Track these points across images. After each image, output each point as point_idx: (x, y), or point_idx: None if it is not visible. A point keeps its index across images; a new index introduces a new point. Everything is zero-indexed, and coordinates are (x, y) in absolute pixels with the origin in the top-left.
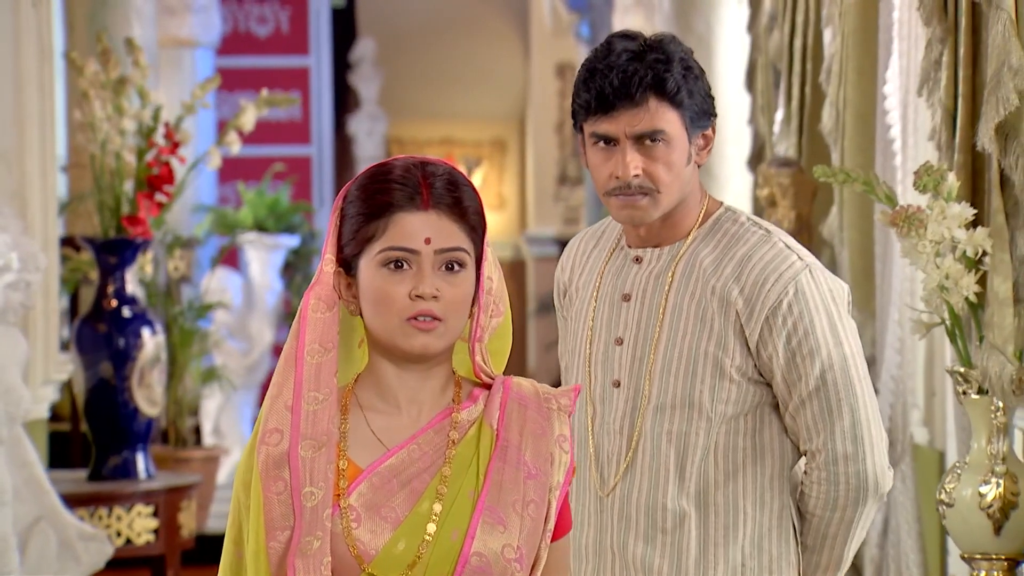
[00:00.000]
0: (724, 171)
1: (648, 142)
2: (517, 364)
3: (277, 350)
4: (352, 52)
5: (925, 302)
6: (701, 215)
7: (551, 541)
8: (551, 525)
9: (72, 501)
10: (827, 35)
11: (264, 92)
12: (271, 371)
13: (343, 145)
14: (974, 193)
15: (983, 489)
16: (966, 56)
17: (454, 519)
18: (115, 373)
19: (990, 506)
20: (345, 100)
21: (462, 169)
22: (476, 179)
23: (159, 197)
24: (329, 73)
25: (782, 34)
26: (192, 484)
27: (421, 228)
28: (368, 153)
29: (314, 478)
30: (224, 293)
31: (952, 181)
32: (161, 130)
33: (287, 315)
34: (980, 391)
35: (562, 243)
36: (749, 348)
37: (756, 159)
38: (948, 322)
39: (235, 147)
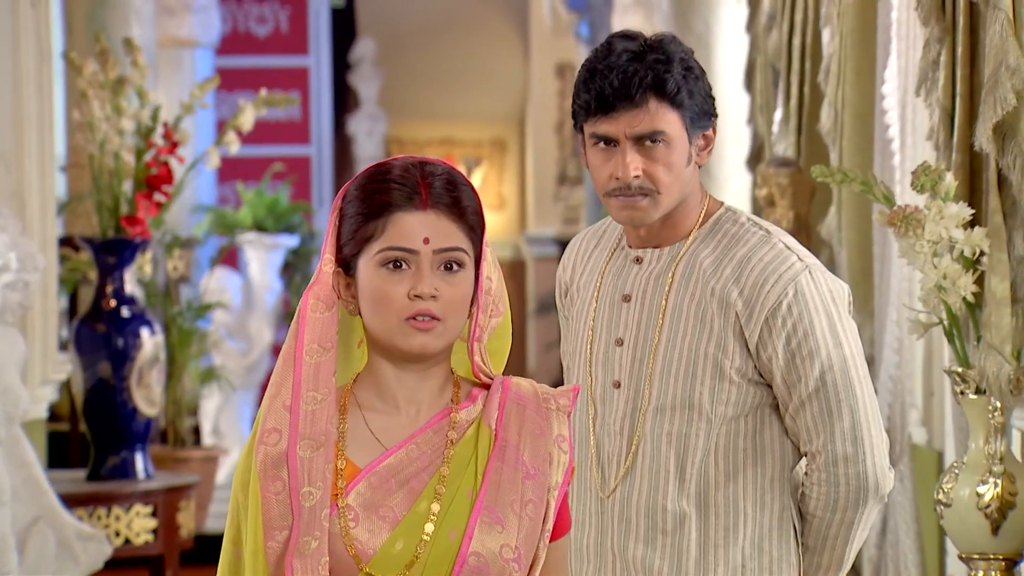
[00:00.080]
0: (723, 171)
1: (648, 143)
2: (517, 364)
3: (276, 350)
4: (352, 52)
5: (923, 302)
6: (701, 216)
7: (550, 541)
8: (550, 525)
9: (71, 501)
10: (825, 35)
11: (263, 92)
12: (270, 371)
13: (343, 145)
14: (972, 193)
15: (981, 489)
16: (964, 56)
17: (452, 519)
18: (114, 373)
19: (988, 506)
20: (345, 100)
21: (462, 169)
22: (476, 179)
23: (158, 197)
24: (329, 73)
25: (781, 34)
26: (191, 484)
27: (420, 228)
28: (368, 153)
29: (312, 478)
30: (223, 293)
31: (950, 181)
32: (160, 130)
33: (286, 315)
34: (978, 391)
35: (562, 243)
36: (749, 349)
37: (755, 159)
38: (946, 322)
39: (234, 147)
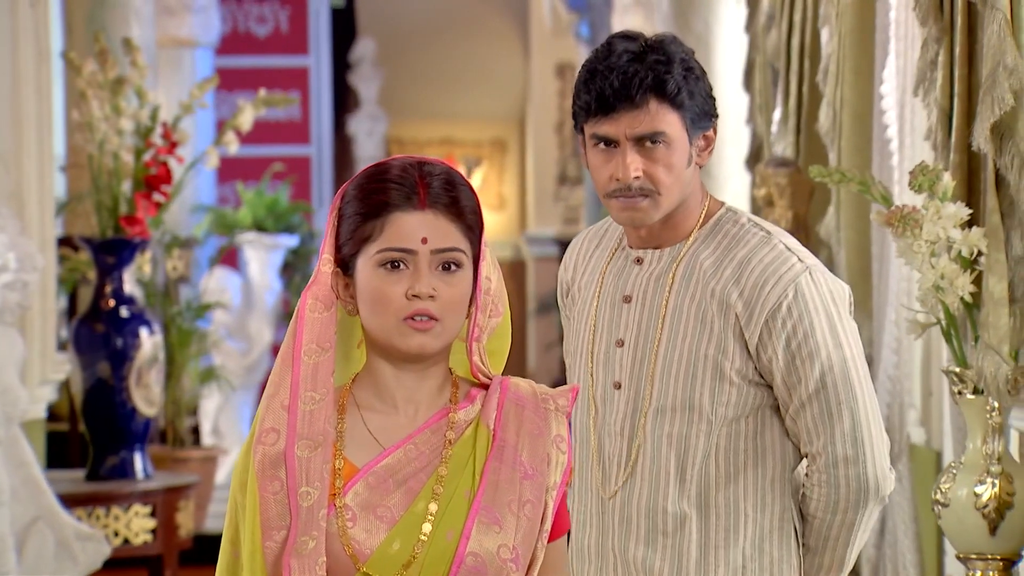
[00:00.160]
0: (722, 171)
1: (648, 144)
2: (517, 364)
3: (276, 350)
4: (352, 52)
5: (920, 302)
6: (702, 216)
7: (548, 541)
8: (548, 525)
9: (70, 501)
10: (824, 35)
11: (262, 92)
12: (270, 371)
13: (343, 145)
14: (970, 193)
15: (979, 489)
16: (962, 56)
17: (450, 519)
18: (113, 373)
19: (985, 506)
20: (345, 100)
21: (462, 169)
22: (476, 179)
23: (157, 197)
24: (329, 73)
25: (780, 33)
26: (190, 484)
27: (418, 228)
28: (368, 153)
29: (310, 478)
30: (223, 293)
31: (947, 181)
32: (159, 130)
33: (286, 315)
34: (975, 391)
35: (562, 243)
36: (749, 351)
37: (754, 159)
38: (944, 322)
39: (233, 147)
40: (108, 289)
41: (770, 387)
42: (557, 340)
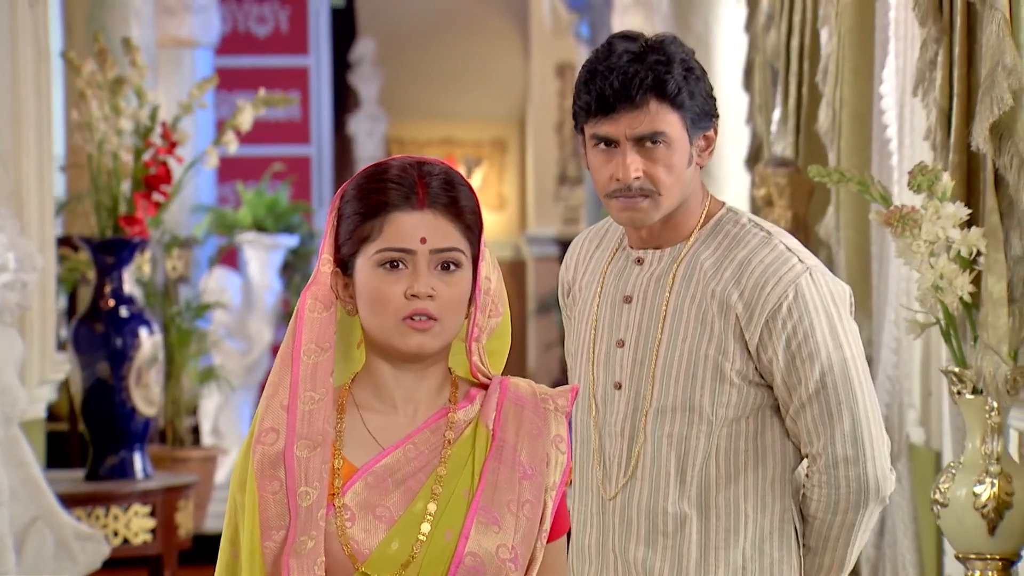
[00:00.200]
0: (722, 171)
1: (649, 144)
2: (517, 364)
3: (276, 350)
4: (352, 52)
5: (920, 302)
6: (703, 217)
7: (548, 541)
8: (547, 526)
9: (69, 501)
10: (824, 35)
11: (261, 92)
12: (270, 371)
13: (343, 145)
14: (969, 193)
15: (977, 489)
16: (961, 56)
17: (448, 519)
18: (112, 373)
19: (984, 506)
20: (345, 100)
21: (462, 169)
22: (476, 179)
23: (156, 197)
24: (329, 73)
25: (779, 33)
26: (189, 484)
27: (416, 228)
28: (368, 153)
29: (309, 478)
30: (223, 293)
31: (946, 181)
32: (158, 130)
33: (286, 315)
34: (974, 391)
35: (562, 243)
36: (749, 352)
37: (754, 159)
38: (943, 322)
39: (232, 147)
40: (107, 289)
41: (770, 388)
42: (557, 340)
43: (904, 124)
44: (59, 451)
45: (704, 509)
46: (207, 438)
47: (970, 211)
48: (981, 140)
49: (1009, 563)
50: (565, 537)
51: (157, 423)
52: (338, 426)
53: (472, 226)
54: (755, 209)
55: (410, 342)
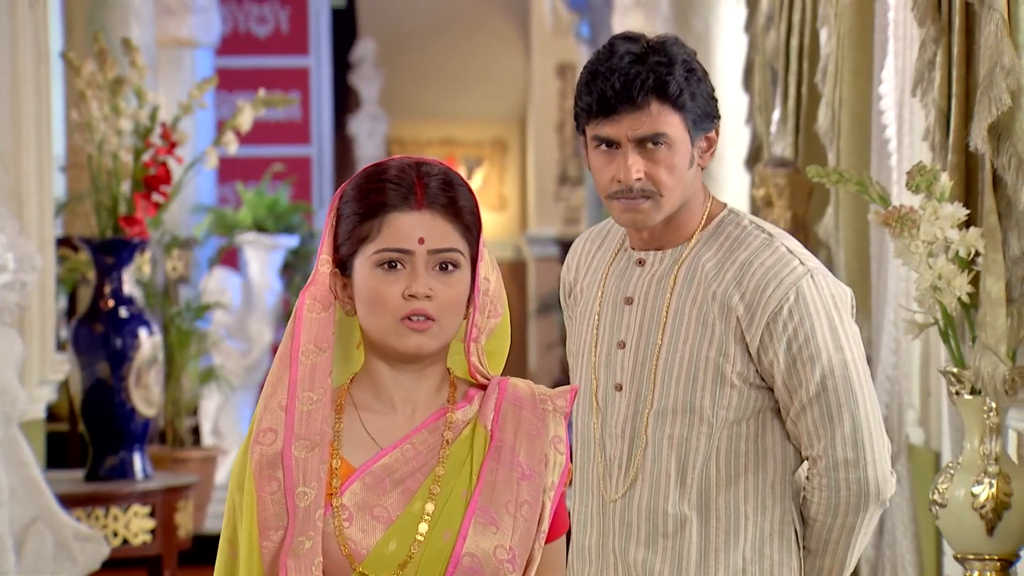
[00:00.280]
0: (722, 171)
1: (650, 145)
2: (517, 365)
3: (276, 350)
4: (352, 52)
5: (918, 302)
6: (704, 218)
7: (546, 542)
8: (545, 526)
9: (69, 501)
10: (823, 35)
11: (261, 92)
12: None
13: (343, 145)
14: (967, 193)
15: (976, 489)
16: (960, 56)
17: (446, 519)
18: (112, 373)
19: (983, 506)
20: (345, 100)
21: (462, 170)
22: (477, 179)
23: (156, 197)
24: (329, 73)
25: (779, 34)
26: (189, 484)
27: (415, 228)
28: (368, 153)
29: (307, 478)
30: (223, 293)
31: (945, 181)
32: (158, 130)
33: (286, 315)
34: (973, 391)
35: (563, 243)
36: (750, 354)
37: (753, 159)
38: (941, 322)
39: (232, 147)
40: (107, 289)
41: (771, 390)
42: (558, 340)
43: (903, 124)
44: (59, 451)
45: (704, 511)
46: (207, 438)
47: (968, 211)
48: (979, 140)
49: (1007, 563)
50: (564, 538)
51: (157, 423)
52: (336, 426)
53: (471, 226)
54: (754, 209)
55: (408, 342)
